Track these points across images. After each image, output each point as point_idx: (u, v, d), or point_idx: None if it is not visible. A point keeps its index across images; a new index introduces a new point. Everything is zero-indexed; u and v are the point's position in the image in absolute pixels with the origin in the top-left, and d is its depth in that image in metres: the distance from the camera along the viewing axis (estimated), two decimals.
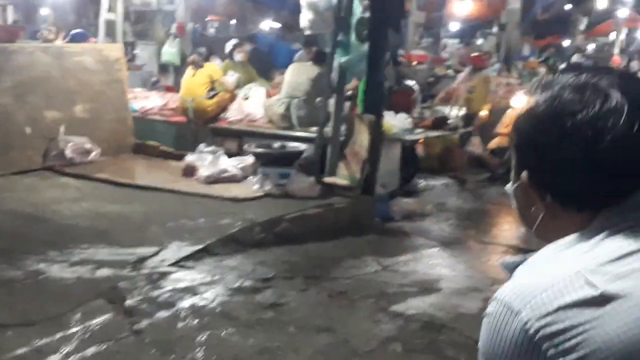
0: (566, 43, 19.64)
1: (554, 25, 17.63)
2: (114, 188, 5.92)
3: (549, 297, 0.82)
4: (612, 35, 20.01)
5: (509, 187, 1.02)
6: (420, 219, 6.66)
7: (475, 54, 11.53)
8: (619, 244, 0.86)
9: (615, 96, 0.88)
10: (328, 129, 6.21)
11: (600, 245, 0.86)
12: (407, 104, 8.59)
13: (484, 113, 9.03)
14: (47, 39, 10.40)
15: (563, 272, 0.84)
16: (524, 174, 0.96)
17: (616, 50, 18.88)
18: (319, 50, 7.26)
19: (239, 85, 8.12)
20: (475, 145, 8.28)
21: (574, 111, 0.89)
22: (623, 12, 18.36)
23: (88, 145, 6.54)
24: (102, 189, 5.90)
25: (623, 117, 0.87)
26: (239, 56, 8.59)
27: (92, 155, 6.55)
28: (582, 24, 18.02)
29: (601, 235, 0.87)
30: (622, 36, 19.76)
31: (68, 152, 6.37)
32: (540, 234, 0.97)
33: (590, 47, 20.53)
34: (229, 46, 9.04)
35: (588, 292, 0.81)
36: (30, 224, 4.97)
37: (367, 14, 6.15)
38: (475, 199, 7.87)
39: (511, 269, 0.94)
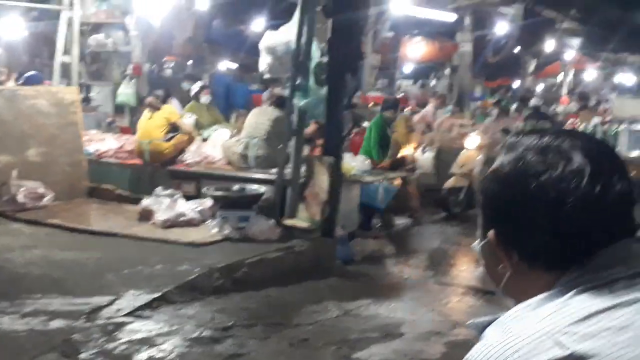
0: (516, 84, 20.31)
1: (504, 67, 18.22)
2: (68, 234, 5.76)
3: (520, 359, 0.83)
4: (560, 77, 20.79)
5: (476, 244, 1.03)
6: (380, 260, 6.68)
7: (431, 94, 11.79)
8: (587, 303, 0.87)
9: (577, 158, 0.91)
10: (288, 171, 6.22)
11: (568, 305, 0.87)
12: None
13: (407, 152, 9.19)
14: None
15: (533, 333, 0.85)
16: (491, 233, 0.97)
17: (564, 91, 19.59)
18: (280, 95, 7.34)
19: (203, 127, 8.14)
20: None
21: (537, 172, 0.91)
22: (570, 55, 19.11)
23: (41, 190, 6.37)
24: (56, 235, 5.73)
25: (585, 179, 0.90)
26: (204, 98, 8.60)
27: (45, 199, 6.38)
28: (531, 66, 18.68)
29: (568, 295, 0.89)
30: (570, 77, 20.55)
31: (20, 197, 6.19)
32: (507, 292, 0.98)
33: (540, 87, 21.28)
34: (195, 88, 9.10)
35: (558, 353, 0.82)
36: None
37: (325, 59, 6.25)
38: (433, 238, 7.95)
39: (480, 329, 0.94)
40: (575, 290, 0.89)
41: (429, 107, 12.31)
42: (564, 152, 0.92)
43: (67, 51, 7.82)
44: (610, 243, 0.91)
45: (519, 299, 0.93)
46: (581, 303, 0.87)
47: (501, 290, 0.99)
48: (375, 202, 7.25)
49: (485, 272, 1.03)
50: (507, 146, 0.98)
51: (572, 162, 0.91)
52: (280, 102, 7.14)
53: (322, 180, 6.03)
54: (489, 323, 0.93)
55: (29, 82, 8.62)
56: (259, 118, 7.11)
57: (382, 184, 7.34)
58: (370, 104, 11.81)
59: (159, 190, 6.45)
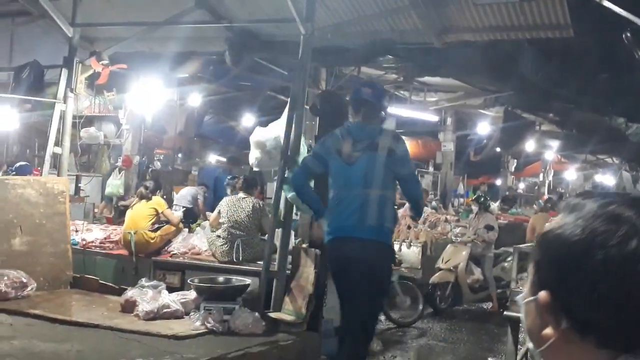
0: (498, 182, 20.75)
1: (486, 166, 18.68)
2: (49, 325, 5.64)
3: None
4: (541, 176, 21.31)
5: (521, 298, 0.98)
6: (367, 356, 6.55)
7: None
8: None
9: None
10: (274, 262, 6.22)
11: None
12: None
13: None
14: None
15: None
16: (543, 294, 0.92)
17: (545, 190, 20.02)
18: (247, 178, 7.41)
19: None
20: None
21: (608, 245, 0.87)
22: (550, 155, 19.67)
23: (24, 280, 6.28)
24: (36, 325, 5.61)
25: None
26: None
27: (28, 289, 6.28)
28: (512, 165, 19.17)
29: None
30: (550, 177, 21.06)
31: (2, 287, 6.09)
32: (547, 358, 0.93)
33: (521, 186, 21.73)
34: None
35: None
36: None
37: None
38: (420, 335, 7.85)
39: None
40: None
41: None
42: (635, 226, 0.88)
43: (58, 142, 7.95)
44: None
45: None
46: None
47: (540, 354, 0.94)
48: None
49: (526, 329, 0.98)
50: (570, 207, 0.95)
51: None
52: (248, 185, 7.25)
53: (309, 272, 6.03)
54: None
55: (20, 172, 8.71)
56: (237, 214, 7.07)
57: None
58: None
59: (143, 281, 6.40)
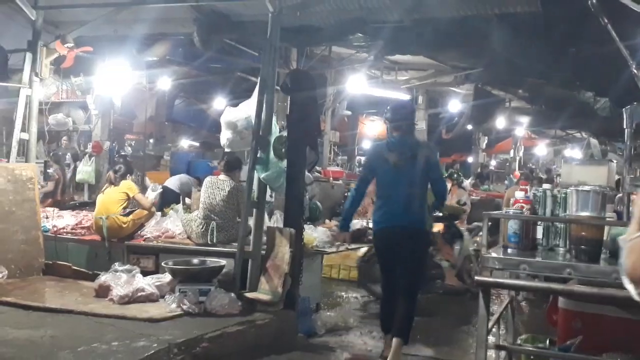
0: (470, 159, 20.95)
1: (457, 144, 18.83)
2: (22, 312, 5.57)
3: None
4: (512, 152, 21.57)
5: (624, 239, 0.96)
6: (344, 332, 6.62)
7: None
8: None
9: None
10: (248, 243, 6.20)
11: None
12: None
13: None
14: None
15: None
16: None
17: (515, 166, 20.27)
18: (229, 160, 7.35)
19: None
20: None
21: None
22: (520, 131, 19.88)
23: None
24: (9, 313, 5.53)
25: None
26: None
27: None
28: (484, 143, 19.34)
29: None
30: (520, 153, 21.32)
31: None
32: None
33: (493, 163, 21.98)
34: None
35: None
36: None
37: (285, 133, 6.40)
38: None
39: None
40: None
41: None
42: None
43: (25, 128, 7.79)
44: None
45: None
46: None
47: None
48: None
49: (628, 271, 0.95)
50: None
51: None
52: (231, 167, 7.19)
53: (283, 251, 6.03)
54: None
55: None
56: (214, 198, 6.99)
57: None
58: (331, 178, 12.03)
59: (116, 265, 6.34)
